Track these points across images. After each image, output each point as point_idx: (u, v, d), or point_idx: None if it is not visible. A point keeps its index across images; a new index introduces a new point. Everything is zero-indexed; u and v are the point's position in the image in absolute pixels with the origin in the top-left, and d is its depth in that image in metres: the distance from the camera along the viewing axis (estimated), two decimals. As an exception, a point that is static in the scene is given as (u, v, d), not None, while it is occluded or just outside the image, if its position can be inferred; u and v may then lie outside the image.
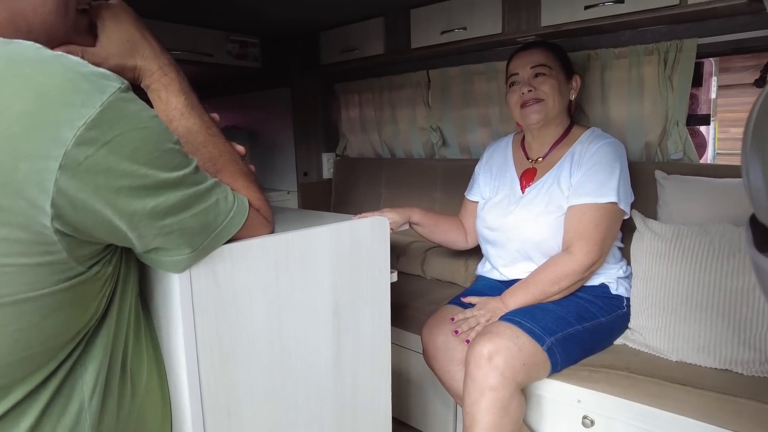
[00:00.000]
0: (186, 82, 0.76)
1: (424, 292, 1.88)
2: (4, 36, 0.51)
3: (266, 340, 0.77)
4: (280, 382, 0.80)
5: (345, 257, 0.88)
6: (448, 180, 2.16)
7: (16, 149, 0.45)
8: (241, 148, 0.82)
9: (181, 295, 0.65)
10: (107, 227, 0.52)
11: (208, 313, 0.68)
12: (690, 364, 1.31)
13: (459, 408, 1.59)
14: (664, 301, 1.36)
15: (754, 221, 0.45)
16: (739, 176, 1.49)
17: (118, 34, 0.71)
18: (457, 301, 1.55)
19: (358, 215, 1.03)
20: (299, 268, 0.81)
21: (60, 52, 0.49)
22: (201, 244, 0.63)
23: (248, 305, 0.74)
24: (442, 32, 1.88)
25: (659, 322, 1.36)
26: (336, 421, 0.91)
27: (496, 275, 1.61)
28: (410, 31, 1.99)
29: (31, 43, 0.49)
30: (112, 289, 0.61)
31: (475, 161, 1.74)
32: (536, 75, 1.46)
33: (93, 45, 0.69)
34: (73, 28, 0.65)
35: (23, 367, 0.52)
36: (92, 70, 0.50)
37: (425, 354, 1.47)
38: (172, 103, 0.73)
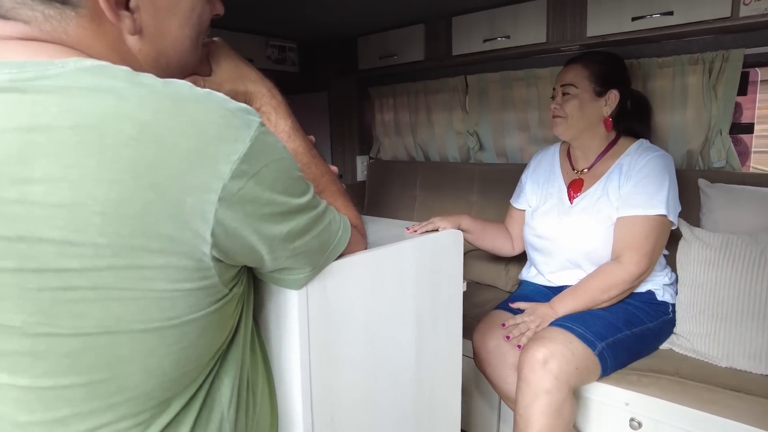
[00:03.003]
0: (288, 105, 0.80)
1: (467, 295, 1.91)
2: (147, 71, 0.56)
3: (363, 349, 0.82)
4: (373, 389, 0.85)
5: (426, 270, 0.93)
6: (485, 184, 2.20)
7: (184, 184, 0.49)
8: (335, 168, 0.86)
9: (299, 310, 0.70)
10: (249, 251, 0.57)
11: (319, 325, 0.73)
12: (740, 370, 1.34)
13: (503, 410, 1.63)
14: (713, 308, 1.39)
15: None
16: (784, 185, 1.52)
17: (227, 62, 0.75)
18: (505, 307, 1.59)
19: (411, 228, 1.06)
20: (390, 281, 0.85)
21: (208, 90, 0.54)
22: (318, 262, 0.68)
23: (350, 317, 0.78)
24: (485, 40, 1.91)
25: (708, 328, 1.39)
26: (416, 425, 0.96)
27: (542, 281, 1.64)
28: (451, 38, 2.03)
29: (184, 81, 0.53)
30: (242, 307, 0.65)
31: (513, 165, 1.78)
32: (564, 93, 1.52)
33: (209, 74, 0.73)
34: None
35: (182, 382, 0.57)
36: (238, 105, 0.54)
37: (477, 358, 1.51)
38: (281, 126, 0.77)
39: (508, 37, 1.85)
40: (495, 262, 1.99)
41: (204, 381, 0.60)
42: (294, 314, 0.70)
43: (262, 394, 0.72)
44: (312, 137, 0.84)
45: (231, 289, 0.59)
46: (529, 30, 1.80)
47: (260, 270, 0.65)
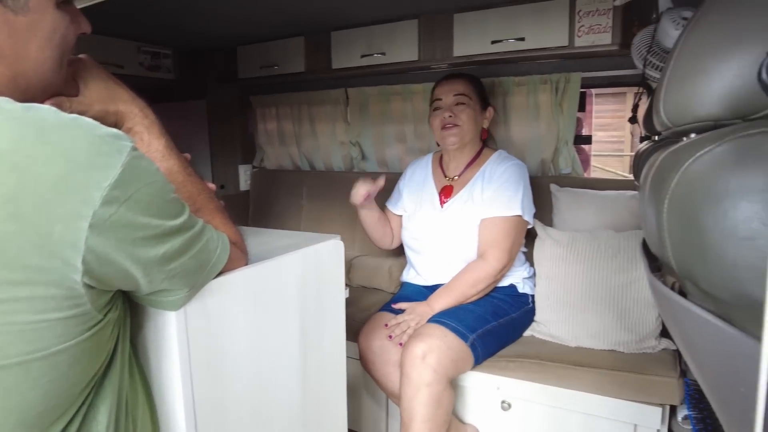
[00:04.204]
0: (161, 124, 0.80)
1: (354, 300, 1.99)
2: (3, 93, 0.54)
3: (248, 364, 0.83)
4: (260, 401, 0.87)
5: (309, 280, 0.97)
6: (369, 192, 2.29)
7: (51, 213, 0.48)
8: (212, 185, 0.87)
9: (177, 331, 0.70)
10: (124, 276, 0.57)
11: (200, 345, 0.74)
12: (585, 348, 1.56)
13: (391, 407, 1.72)
14: (563, 296, 1.60)
15: (646, 248, 0.62)
16: (615, 188, 1.79)
17: (96, 82, 0.74)
18: (388, 308, 1.68)
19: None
20: (272, 295, 0.88)
21: (75, 115, 0.53)
22: (196, 282, 0.69)
23: (233, 334, 0.80)
24: (362, 56, 2.01)
25: (560, 314, 1.60)
26: (304, 431, 1.00)
27: (420, 281, 1.77)
28: (331, 52, 2.09)
29: (48, 107, 0.52)
30: (118, 332, 0.65)
31: (393, 174, 1.89)
32: (457, 103, 1.64)
33: (75, 95, 0.71)
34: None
35: (50, 416, 0.55)
36: (107, 131, 0.54)
37: (363, 359, 1.59)
38: (154, 145, 0.77)
39: (383, 53, 1.96)
40: (378, 265, 2.09)
41: (77, 412, 0.59)
42: (173, 335, 0.70)
43: (143, 420, 0.71)
44: (187, 155, 0.84)
45: (105, 315, 0.59)
46: (402, 48, 1.93)
47: (136, 293, 0.65)
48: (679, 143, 0.56)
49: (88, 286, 0.53)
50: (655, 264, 0.61)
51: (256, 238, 1.05)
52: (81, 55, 0.74)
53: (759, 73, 0.38)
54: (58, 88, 0.66)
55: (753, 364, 0.40)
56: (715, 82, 0.54)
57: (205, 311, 0.74)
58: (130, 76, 2.17)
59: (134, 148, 0.55)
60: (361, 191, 1.62)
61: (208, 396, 0.76)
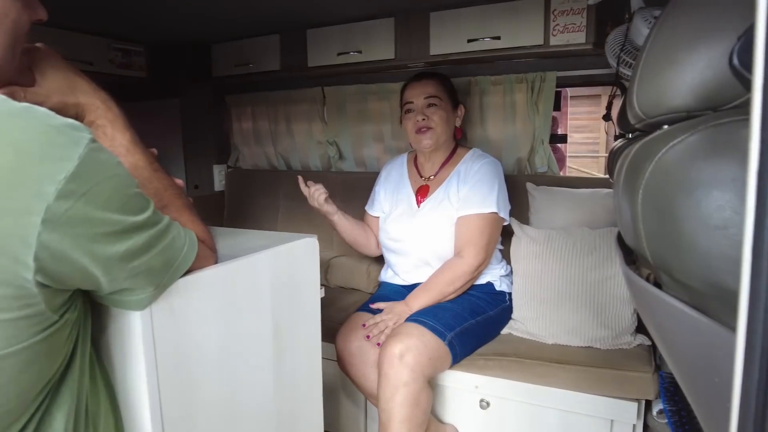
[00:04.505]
0: (126, 118, 0.77)
1: (331, 300, 1.96)
2: None
3: (219, 365, 0.81)
4: (232, 403, 0.84)
5: (283, 279, 0.95)
6: (347, 191, 2.27)
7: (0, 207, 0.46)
8: (180, 182, 0.84)
9: (143, 332, 0.67)
10: (82, 274, 0.54)
11: (167, 346, 0.71)
12: (562, 345, 1.57)
13: (369, 407, 1.71)
14: (540, 294, 1.61)
15: (621, 240, 0.62)
16: (590, 186, 1.81)
17: (54, 72, 0.70)
18: (365, 308, 1.66)
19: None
20: (243, 294, 0.86)
21: (27, 104, 0.51)
22: (162, 281, 0.67)
23: (202, 334, 0.77)
24: (339, 54, 1.99)
25: (537, 312, 1.61)
26: None
27: (398, 281, 1.76)
28: (307, 50, 2.07)
29: None
30: (77, 333, 0.61)
31: (371, 174, 1.88)
32: (429, 105, 1.64)
33: (31, 85, 0.68)
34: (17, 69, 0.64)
35: (0, 423, 0.52)
36: (63, 121, 0.52)
37: (340, 360, 1.56)
38: (118, 140, 0.74)
39: (360, 51, 1.94)
40: (357, 266, 2.07)
41: (30, 419, 0.56)
42: (138, 337, 0.67)
43: (105, 426, 0.68)
44: (154, 150, 0.81)
45: (62, 316, 0.56)
46: (379, 46, 1.91)
47: (97, 293, 0.62)
48: (653, 134, 0.56)
49: (42, 285, 0.50)
50: (630, 257, 0.61)
51: (230, 238, 1.03)
52: (37, 44, 0.70)
53: (730, 59, 0.38)
54: (11, 77, 0.63)
55: (727, 354, 0.39)
56: (686, 73, 0.54)
57: (171, 311, 0.72)
58: (100, 73, 2.11)
59: (93, 140, 0.53)
60: (317, 189, 1.63)
61: (176, 400, 0.73)
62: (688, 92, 0.54)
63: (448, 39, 1.79)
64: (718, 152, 0.44)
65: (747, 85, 0.37)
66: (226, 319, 0.82)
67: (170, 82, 2.43)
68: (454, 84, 1.76)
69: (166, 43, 2.33)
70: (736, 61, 0.37)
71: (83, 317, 0.63)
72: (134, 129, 0.78)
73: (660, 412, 1.37)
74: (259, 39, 2.18)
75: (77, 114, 0.72)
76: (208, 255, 0.79)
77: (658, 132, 0.56)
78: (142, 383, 0.68)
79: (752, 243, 0.30)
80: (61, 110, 0.68)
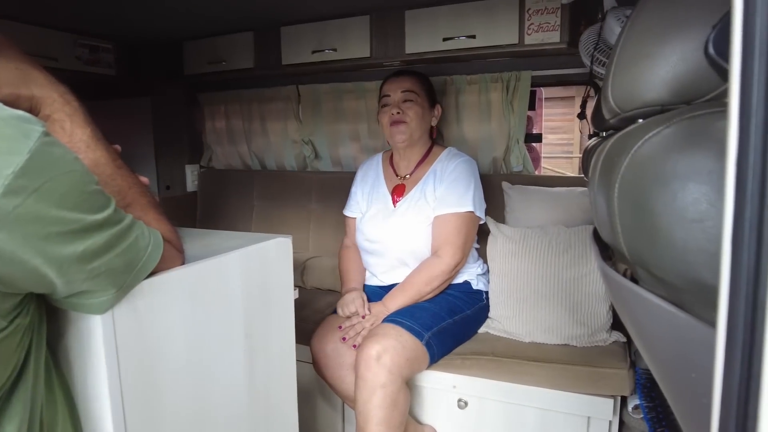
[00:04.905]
0: (86, 111, 0.73)
1: (307, 302, 1.93)
2: None
3: (187, 369, 0.78)
4: (202, 407, 0.81)
5: (254, 279, 0.92)
6: (323, 192, 2.25)
7: None
8: (145, 179, 0.81)
9: (104, 337, 0.64)
10: (34, 276, 0.51)
11: (131, 351, 0.68)
12: (539, 343, 1.57)
13: (346, 410, 1.68)
14: (516, 292, 1.61)
15: (597, 236, 0.61)
16: (565, 185, 1.82)
17: (5, 62, 0.66)
18: (342, 309, 1.64)
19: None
20: (213, 296, 0.83)
21: None
22: (125, 282, 0.63)
23: (169, 338, 0.74)
24: (313, 51, 1.96)
25: (514, 310, 1.61)
26: (251, 437, 0.94)
27: (375, 282, 1.74)
28: (281, 47, 2.03)
29: None
30: (29, 339, 0.58)
31: (348, 173, 1.85)
32: (405, 100, 1.62)
33: None
34: None
35: None
36: (12, 113, 0.48)
37: (315, 363, 1.54)
38: (78, 135, 0.70)
39: (335, 49, 1.92)
40: (334, 267, 2.04)
41: None
42: (99, 342, 0.64)
43: None
44: (117, 146, 0.78)
45: (12, 321, 0.52)
46: (354, 44, 1.89)
47: (53, 296, 0.58)
48: (627, 129, 0.55)
49: None
50: (606, 253, 0.60)
51: (201, 239, 0.99)
52: None
53: (706, 48, 0.37)
54: None
55: (704, 349, 0.39)
56: (660, 66, 0.53)
57: (136, 314, 0.68)
58: (65, 70, 2.04)
59: (46, 134, 0.49)
60: (351, 309, 1.55)
61: (141, 408, 0.70)
62: (662, 86, 0.53)
63: (423, 37, 1.78)
64: (693, 144, 0.43)
65: (723, 74, 0.37)
66: (195, 322, 0.79)
67: (141, 80, 2.36)
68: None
69: (136, 40, 2.27)
70: (711, 50, 0.36)
71: (37, 322, 0.60)
72: (98, 125, 0.74)
73: (635, 407, 1.39)
74: (232, 36, 2.14)
75: (31, 107, 0.68)
76: (174, 255, 0.76)
77: (633, 126, 0.55)
78: (104, 391, 0.65)
79: (731, 234, 0.29)
80: (12, 103, 0.64)
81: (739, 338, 0.28)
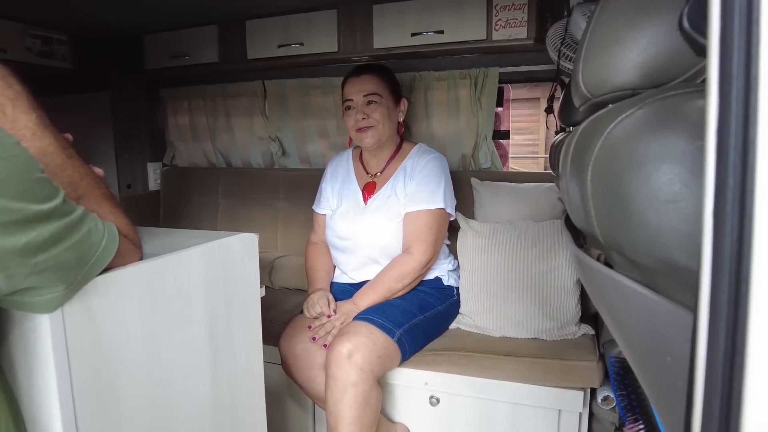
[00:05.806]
0: (32, 97, 0.68)
1: (276, 302, 1.89)
2: None
3: (146, 371, 0.73)
4: (162, 412, 0.77)
5: (218, 277, 0.88)
6: (291, 189, 2.21)
7: None
8: (99, 171, 0.76)
9: (53, 337, 0.59)
10: None
11: (83, 352, 0.63)
12: (510, 337, 1.57)
13: (317, 411, 1.65)
14: (486, 287, 1.61)
15: (569, 224, 0.60)
16: (531, 181, 1.84)
17: None
18: (311, 309, 1.60)
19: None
20: (173, 294, 0.79)
21: None
22: (75, 278, 0.59)
23: (125, 338, 0.70)
24: (279, 46, 1.92)
25: (484, 305, 1.61)
26: (215, 441, 0.90)
27: (346, 279, 1.71)
28: (246, 41, 1.98)
29: None
30: None
31: (317, 170, 1.82)
32: (368, 102, 1.59)
33: None
34: None
35: None
36: None
37: (284, 364, 1.50)
38: (22, 121, 0.65)
39: (302, 44, 1.88)
40: (302, 266, 2.00)
41: None
42: (46, 343, 0.59)
43: None
44: (68, 135, 0.73)
45: None
46: (321, 38, 1.86)
47: None
48: (599, 112, 0.55)
49: None
50: (578, 240, 0.59)
51: (163, 238, 0.94)
52: None
53: (680, 23, 0.36)
54: None
55: (680, 332, 0.38)
56: (630, 50, 0.53)
57: (89, 313, 0.64)
58: (15, 62, 1.93)
59: None
60: (317, 309, 1.52)
61: (95, 413, 0.65)
62: (633, 70, 0.53)
63: (391, 32, 1.77)
64: (666, 125, 0.43)
65: (699, 50, 0.36)
66: (154, 321, 0.75)
67: (99, 74, 2.27)
68: (399, 80, 1.73)
69: (93, 32, 2.17)
70: (686, 23, 0.35)
71: None
72: (53, 122, 0.69)
73: (604, 399, 1.40)
74: (195, 30, 2.08)
75: None
76: (131, 250, 0.71)
77: (604, 110, 0.55)
78: (53, 396, 0.60)
79: (713, 212, 0.28)
80: None
81: (722, 318, 0.27)
